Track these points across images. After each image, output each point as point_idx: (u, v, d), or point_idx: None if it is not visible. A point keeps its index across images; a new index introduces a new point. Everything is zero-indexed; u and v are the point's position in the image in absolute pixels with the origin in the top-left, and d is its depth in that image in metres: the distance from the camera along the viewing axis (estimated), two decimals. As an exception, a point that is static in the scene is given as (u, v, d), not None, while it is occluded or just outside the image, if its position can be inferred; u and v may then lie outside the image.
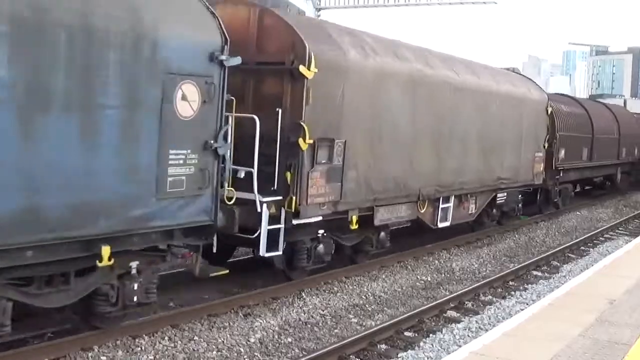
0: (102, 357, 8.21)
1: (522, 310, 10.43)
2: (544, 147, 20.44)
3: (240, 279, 11.91)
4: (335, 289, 12.08)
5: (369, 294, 12.01)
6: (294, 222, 10.72)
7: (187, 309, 9.93)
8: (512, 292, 12.89)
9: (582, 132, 25.63)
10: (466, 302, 11.91)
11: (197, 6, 8.75)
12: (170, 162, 8.27)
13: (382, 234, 13.54)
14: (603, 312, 9.03)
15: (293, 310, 10.62)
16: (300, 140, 10.53)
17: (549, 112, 20.79)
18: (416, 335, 10.05)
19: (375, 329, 9.69)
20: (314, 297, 11.45)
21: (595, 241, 19.42)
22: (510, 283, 13.66)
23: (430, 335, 9.96)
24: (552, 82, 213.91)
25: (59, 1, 7.07)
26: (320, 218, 11.31)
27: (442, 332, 10.04)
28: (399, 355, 8.98)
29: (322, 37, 11.49)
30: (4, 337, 7.42)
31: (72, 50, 7.12)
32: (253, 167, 10.05)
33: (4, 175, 6.69)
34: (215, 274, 9.92)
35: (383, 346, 9.41)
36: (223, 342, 9.01)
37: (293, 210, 10.63)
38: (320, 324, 10.17)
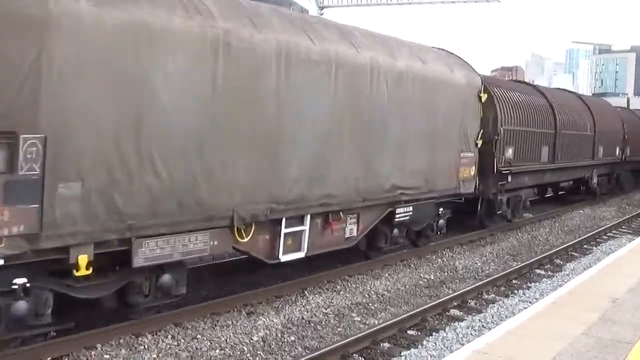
0: (105, 356, 8.22)
1: (525, 308, 10.41)
2: (476, 145, 16.03)
3: (243, 278, 11.94)
4: (338, 287, 12.08)
5: (372, 292, 12.01)
6: None
7: (190, 308, 9.93)
8: (516, 291, 12.87)
9: (540, 126, 21.10)
10: (469, 301, 11.90)
11: None
12: None
13: (167, 276, 9.20)
14: (606, 310, 9.03)
15: (296, 309, 10.63)
16: None
17: (484, 99, 16.29)
18: (419, 333, 10.05)
19: (378, 327, 9.69)
20: (317, 295, 11.45)
21: (598, 240, 19.40)
22: (514, 281, 13.65)
23: (434, 333, 9.95)
24: (555, 81, 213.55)
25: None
26: None
27: (445, 331, 10.03)
28: (402, 354, 8.98)
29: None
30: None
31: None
32: None
33: None
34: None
35: (386, 345, 9.42)
36: (226, 340, 9.02)
37: None
38: (324, 323, 10.17)
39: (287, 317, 10.22)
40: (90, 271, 7.89)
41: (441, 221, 15.58)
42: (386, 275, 13.25)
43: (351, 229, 12.30)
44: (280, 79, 9.99)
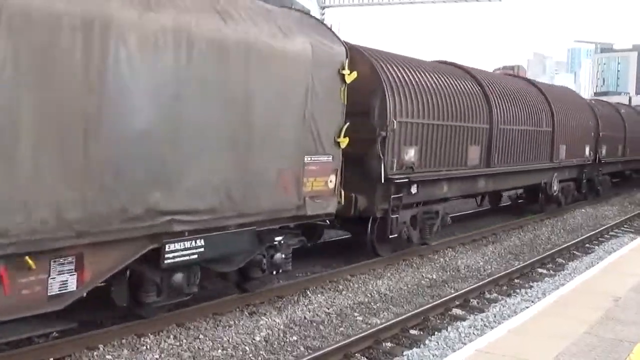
0: (107, 356, 8.23)
1: (527, 308, 10.40)
2: (338, 144, 11.32)
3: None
4: (341, 287, 12.09)
5: (374, 292, 12.01)
6: None
7: (193, 308, 9.93)
8: (518, 290, 12.86)
9: (466, 119, 16.00)
10: (471, 300, 11.90)
11: None
12: None
13: None
14: (608, 309, 9.03)
15: (298, 309, 10.63)
16: None
17: (351, 79, 11.39)
18: (421, 333, 10.04)
19: (380, 327, 9.68)
20: (319, 295, 11.45)
21: (600, 239, 19.38)
22: (516, 281, 13.64)
23: (436, 333, 9.94)
24: (557, 80, 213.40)
25: None
26: None
27: (447, 330, 10.02)
28: (404, 353, 8.97)
29: None
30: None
31: None
32: None
33: None
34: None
35: (388, 344, 9.41)
36: (228, 340, 9.02)
37: None
38: (326, 322, 10.17)
39: (289, 317, 10.22)
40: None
41: (278, 255, 10.57)
42: (388, 274, 13.25)
43: (63, 280, 7.42)
44: None
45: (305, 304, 10.93)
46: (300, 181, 10.62)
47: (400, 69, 14.14)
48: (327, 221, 11.84)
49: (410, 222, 14.40)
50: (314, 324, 10.03)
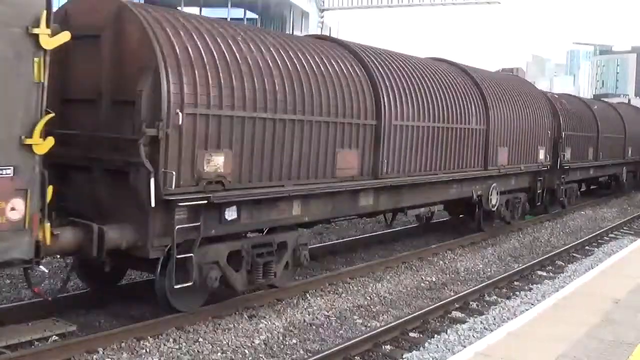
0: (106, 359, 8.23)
1: (527, 310, 10.40)
2: (28, 148, 7.33)
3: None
4: (340, 290, 12.08)
5: (374, 294, 12.00)
6: None
7: (192, 311, 9.93)
8: (517, 292, 12.86)
9: (342, 113, 11.61)
10: (471, 303, 11.90)
11: None
12: None
13: None
14: (608, 312, 9.03)
15: (298, 312, 10.62)
16: None
17: (47, 42, 7.39)
18: (421, 335, 10.04)
19: (380, 329, 9.68)
20: (318, 298, 11.45)
21: (600, 241, 19.39)
22: (515, 283, 13.64)
23: (435, 335, 9.94)
24: (556, 82, 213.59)
25: None
26: None
27: (447, 333, 10.02)
28: (404, 356, 8.97)
29: None
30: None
31: None
32: None
33: None
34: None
35: (388, 347, 9.41)
36: (228, 343, 9.02)
37: None
38: (325, 325, 10.17)
39: (288, 320, 10.22)
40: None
41: None
42: (388, 277, 13.25)
43: None
44: None
45: (305, 307, 10.92)
46: None
47: (200, 37, 9.42)
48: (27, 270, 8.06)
49: (228, 262, 9.84)
50: (314, 327, 10.03)
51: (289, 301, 11.09)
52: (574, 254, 17.13)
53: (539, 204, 21.06)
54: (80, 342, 8.35)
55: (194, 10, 42.11)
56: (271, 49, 10.56)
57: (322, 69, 11.40)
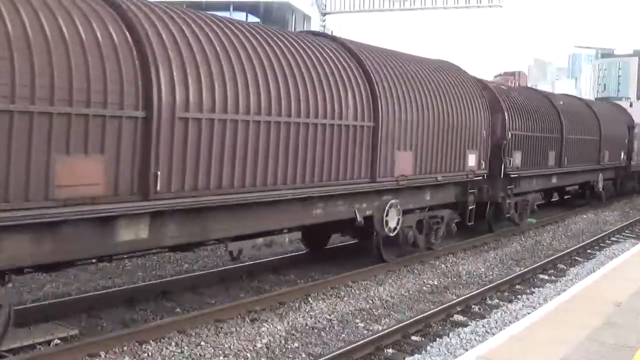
0: (109, 363, 8.24)
1: (529, 313, 10.39)
2: None
3: (247, 284, 11.97)
4: (342, 293, 12.08)
5: (376, 298, 12.00)
6: None
7: (194, 314, 9.95)
8: (519, 296, 12.85)
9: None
10: (473, 306, 11.89)
11: None
12: None
13: None
14: (610, 315, 9.02)
15: (300, 315, 10.63)
16: None
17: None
18: (423, 339, 10.03)
19: (382, 333, 9.68)
20: (320, 301, 11.45)
21: (601, 244, 19.38)
22: (517, 287, 13.63)
23: (437, 339, 9.93)
24: (558, 86, 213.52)
25: None
26: None
27: (449, 336, 10.01)
28: (405, 360, 8.98)
29: None
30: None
31: None
32: None
33: None
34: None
35: (390, 350, 9.40)
36: (230, 347, 9.02)
37: None
38: (327, 329, 10.17)
39: (290, 323, 10.22)
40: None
41: None
42: (390, 281, 13.25)
43: None
44: None
45: (307, 310, 10.93)
46: None
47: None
48: None
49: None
50: (316, 331, 10.02)
51: (291, 305, 11.10)
52: (576, 258, 17.12)
53: (470, 223, 16.37)
54: (82, 345, 8.36)
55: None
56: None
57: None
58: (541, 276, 14.78)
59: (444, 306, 11.36)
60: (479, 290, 12.61)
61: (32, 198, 7.03)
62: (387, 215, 12.89)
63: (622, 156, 29.81)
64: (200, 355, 8.69)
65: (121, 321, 9.72)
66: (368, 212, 12.59)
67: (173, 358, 8.53)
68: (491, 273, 14.86)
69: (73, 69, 7.30)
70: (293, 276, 12.99)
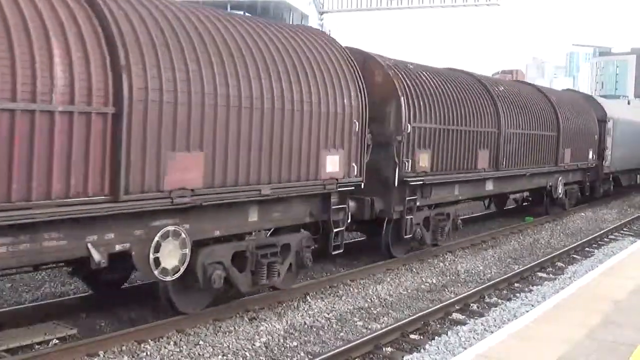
0: (107, 363, 8.23)
1: (527, 312, 10.41)
2: None
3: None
4: (341, 292, 12.08)
5: (374, 297, 12.01)
6: None
7: (193, 314, 9.94)
8: (517, 294, 12.87)
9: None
10: (471, 305, 11.90)
11: None
12: None
13: None
14: (608, 313, 9.03)
15: (298, 314, 10.62)
16: None
17: None
18: (422, 337, 10.04)
19: (380, 332, 9.68)
20: (319, 300, 11.45)
21: (600, 242, 19.39)
22: (516, 285, 13.64)
23: (436, 337, 9.94)
24: (556, 84, 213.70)
25: None
26: None
27: (447, 335, 10.03)
28: (404, 358, 8.98)
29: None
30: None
31: None
32: None
33: None
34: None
35: (389, 349, 9.41)
36: (228, 346, 9.02)
37: None
38: (326, 328, 10.17)
39: (289, 322, 10.22)
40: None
41: None
42: (388, 279, 13.25)
43: None
44: None
45: (305, 309, 10.92)
46: None
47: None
48: None
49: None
50: (314, 330, 10.03)
51: (290, 304, 11.10)
52: (574, 256, 17.13)
53: (338, 251, 11.97)
54: (81, 345, 8.35)
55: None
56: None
57: None
58: (539, 274, 14.79)
59: (442, 304, 11.37)
60: (477, 289, 12.61)
61: None
62: (157, 252, 8.47)
63: (590, 156, 25.02)
64: (199, 354, 8.69)
65: (120, 320, 9.71)
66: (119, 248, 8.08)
67: (172, 357, 8.53)
68: (489, 271, 14.87)
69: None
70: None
